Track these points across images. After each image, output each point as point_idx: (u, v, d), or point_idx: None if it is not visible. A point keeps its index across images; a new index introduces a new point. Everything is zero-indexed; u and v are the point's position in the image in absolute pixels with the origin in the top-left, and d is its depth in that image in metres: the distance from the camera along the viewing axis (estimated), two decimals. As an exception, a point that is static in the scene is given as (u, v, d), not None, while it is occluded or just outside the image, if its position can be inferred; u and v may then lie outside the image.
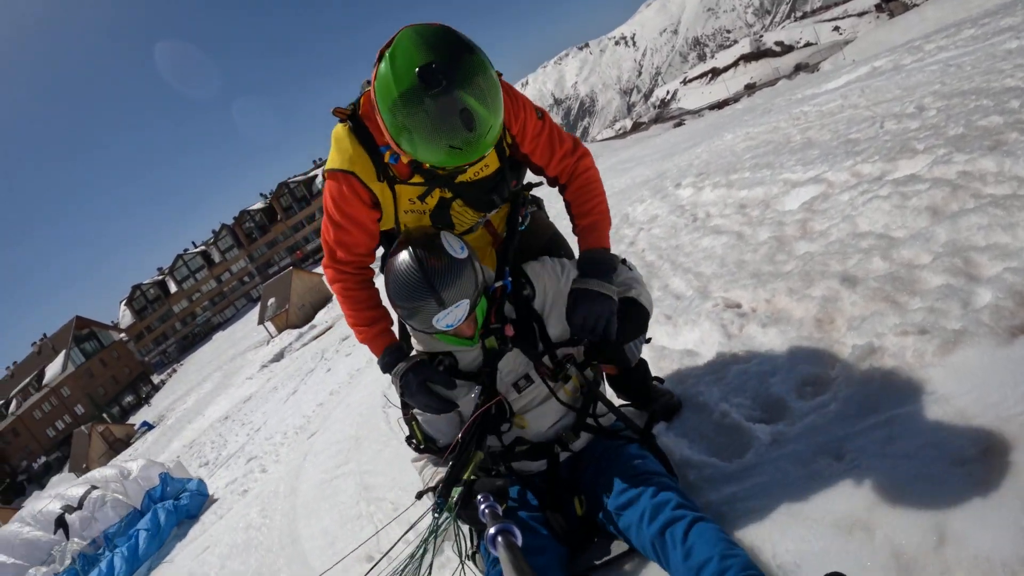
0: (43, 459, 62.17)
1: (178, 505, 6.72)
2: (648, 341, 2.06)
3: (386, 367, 1.85)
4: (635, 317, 1.80)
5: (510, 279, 1.79)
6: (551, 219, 2.30)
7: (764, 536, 1.47)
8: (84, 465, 39.81)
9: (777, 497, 1.57)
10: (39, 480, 57.89)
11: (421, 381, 1.76)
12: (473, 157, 1.44)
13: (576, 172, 1.86)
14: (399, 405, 2.02)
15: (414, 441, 1.93)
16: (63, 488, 7.56)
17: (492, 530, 1.25)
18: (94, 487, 7.13)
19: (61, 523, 6.76)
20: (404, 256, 1.56)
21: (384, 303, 1.88)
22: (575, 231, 1.91)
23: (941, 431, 1.49)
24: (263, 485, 6.04)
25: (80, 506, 6.88)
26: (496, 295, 1.77)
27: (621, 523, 1.56)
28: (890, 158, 3.59)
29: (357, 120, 1.64)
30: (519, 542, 1.23)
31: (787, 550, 1.40)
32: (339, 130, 1.66)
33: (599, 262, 1.79)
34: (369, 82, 1.95)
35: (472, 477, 1.64)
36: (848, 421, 1.72)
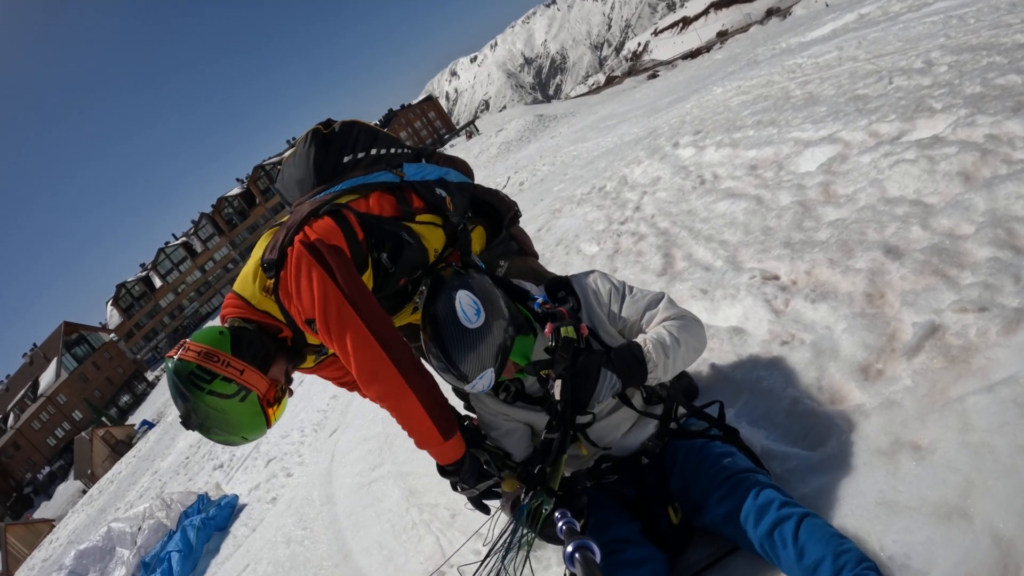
0: (47, 469, 61.94)
1: (206, 520, 6.47)
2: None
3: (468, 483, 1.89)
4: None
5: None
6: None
7: (867, 529, 1.50)
8: (89, 471, 39.78)
9: (868, 487, 1.60)
10: (45, 490, 57.80)
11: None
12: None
13: None
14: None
15: (488, 466, 1.92)
16: (116, 525, 7.44)
17: (570, 547, 1.26)
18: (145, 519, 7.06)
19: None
20: (426, 335, 1.68)
21: None
22: None
23: (1014, 415, 1.50)
24: (292, 491, 5.85)
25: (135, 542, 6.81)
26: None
27: (725, 527, 1.59)
28: (907, 117, 3.57)
29: None
30: (597, 558, 1.24)
31: (893, 541, 1.43)
32: None
33: None
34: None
35: (556, 488, 1.62)
36: (921, 404, 1.75)
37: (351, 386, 2.22)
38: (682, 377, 2.34)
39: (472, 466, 1.86)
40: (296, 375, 1.96)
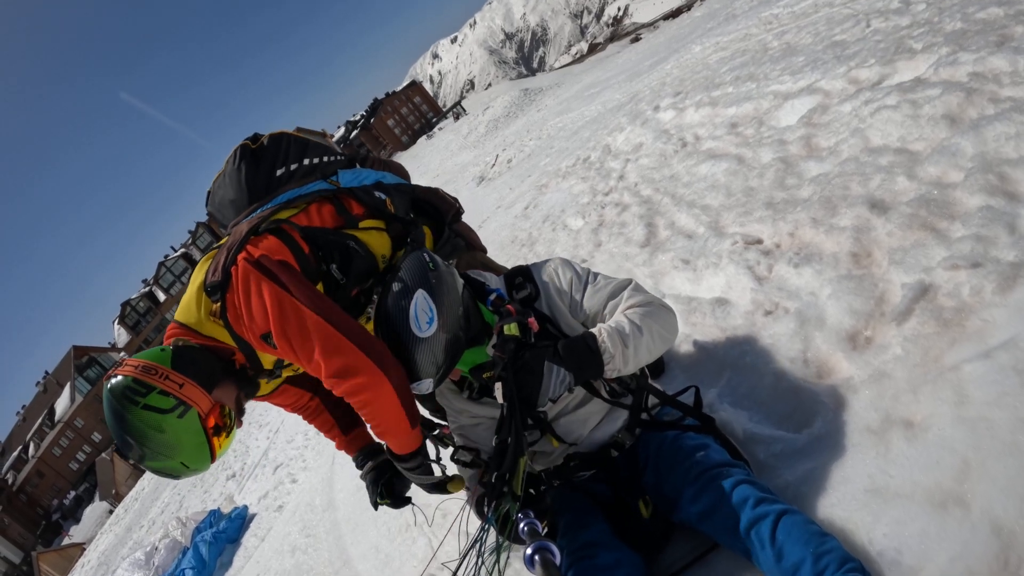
0: (72, 494, 62.53)
1: (217, 534, 6.47)
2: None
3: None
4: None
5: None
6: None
7: (855, 520, 1.38)
8: (113, 491, 40.29)
9: (857, 471, 1.48)
10: (73, 515, 58.57)
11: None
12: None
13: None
14: None
15: (458, 456, 1.87)
16: (139, 553, 7.49)
17: (529, 549, 1.23)
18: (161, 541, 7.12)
19: None
20: (376, 328, 1.63)
21: None
22: None
23: (1014, 384, 1.36)
24: (297, 497, 5.82)
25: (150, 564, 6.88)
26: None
27: (701, 525, 1.49)
28: (887, 60, 3.38)
29: None
30: (557, 560, 1.21)
31: (883, 534, 1.32)
32: None
33: None
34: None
35: (520, 493, 1.51)
36: (913, 375, 1.62)
37: (304, 411, 2.18)
38: None
39: (427, 454, 1.82)
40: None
